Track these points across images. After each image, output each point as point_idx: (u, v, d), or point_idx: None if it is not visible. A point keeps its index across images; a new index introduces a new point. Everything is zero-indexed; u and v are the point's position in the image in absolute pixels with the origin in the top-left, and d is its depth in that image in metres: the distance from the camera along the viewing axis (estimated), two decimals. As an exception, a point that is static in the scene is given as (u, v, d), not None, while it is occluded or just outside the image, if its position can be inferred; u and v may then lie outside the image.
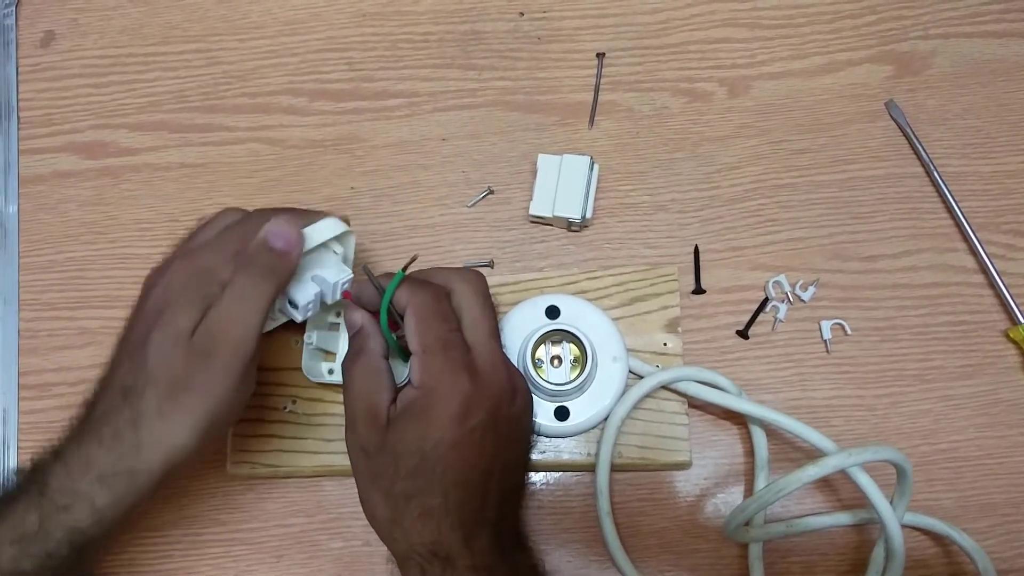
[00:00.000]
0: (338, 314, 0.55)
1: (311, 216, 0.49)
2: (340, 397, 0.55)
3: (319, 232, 0.48)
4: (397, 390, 0.47)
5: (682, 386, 0.53)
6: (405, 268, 0.49)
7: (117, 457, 0.43)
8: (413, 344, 0.46)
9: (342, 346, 0.54)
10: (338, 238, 0.50)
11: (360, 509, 0.55)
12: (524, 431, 0.50)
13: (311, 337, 0.53)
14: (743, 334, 0.56)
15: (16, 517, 0.42)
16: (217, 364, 0.44)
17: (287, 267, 0.46)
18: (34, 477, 0.44)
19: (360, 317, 0.49)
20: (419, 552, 0.44)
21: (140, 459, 0.43)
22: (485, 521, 0.45)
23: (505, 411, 0.47)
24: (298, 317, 0.49)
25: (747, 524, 0.51)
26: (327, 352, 0.55)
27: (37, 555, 0.42)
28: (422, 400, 0.45)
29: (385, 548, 0.54)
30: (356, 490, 0.55)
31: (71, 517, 0.43)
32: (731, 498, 0.55)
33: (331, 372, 0.54)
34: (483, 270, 0.58)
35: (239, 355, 0.44)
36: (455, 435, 0.44)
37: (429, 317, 0.46)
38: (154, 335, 0.44)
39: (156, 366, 0.43)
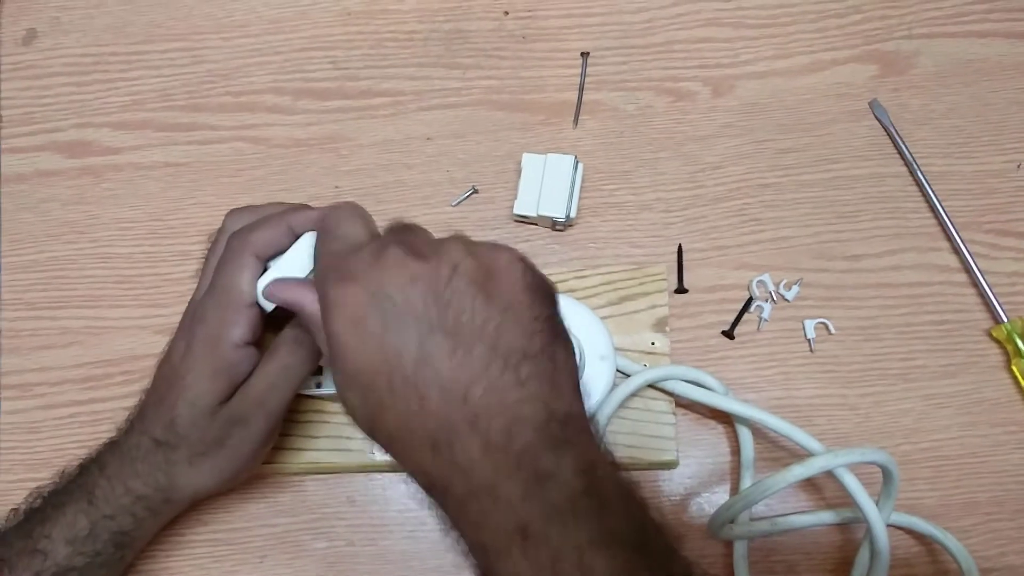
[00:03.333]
0: None
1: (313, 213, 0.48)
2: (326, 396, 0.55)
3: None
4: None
5: (669, 385, 0.53)
6: None
7: (153, 490, 0.48)
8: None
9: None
10: None
11: (343, 509, 0.55)
12: (501, 288, 0.36)
13: None
14: (729, 334, 0.56)
15: (68, 520, 0.47)
16: (250, 430, 0.47)
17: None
18: (81, 484, 0.48)
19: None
20: (423, 491, 0.36)
21: (173, 493, 0.48)
22: (462, 420, 0.34)
23: (408, 281, 0.35)
24: (268, 308, 0.48)
25: (731, 522, 0.51)
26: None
27: (87, 553, 0.47)
28: (325, 333, 0.37)
29: (369, 548, 0.55)
30: (342, 491, 0.56)
31: (116, 523, 0.47)
32: (716, 497, 0.55)
33: (319, 385, 0.54)
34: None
35: (272, 421, 0.48)
36: (356, 340, 0.35)
37: (321, 245, 0.41)
38: (181, 403, 0.46)
39: (188, 431, 0.47)
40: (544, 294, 0.37)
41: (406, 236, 0.38)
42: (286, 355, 0.46)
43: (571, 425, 0.35)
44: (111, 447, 0.49)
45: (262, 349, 0.48)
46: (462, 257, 0.36)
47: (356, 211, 0.41)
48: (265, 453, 0.50)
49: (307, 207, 0.48)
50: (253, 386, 0.46)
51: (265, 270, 0.47)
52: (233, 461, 0.48)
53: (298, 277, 0.45)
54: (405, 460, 0.36)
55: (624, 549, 0.33)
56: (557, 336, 0.37)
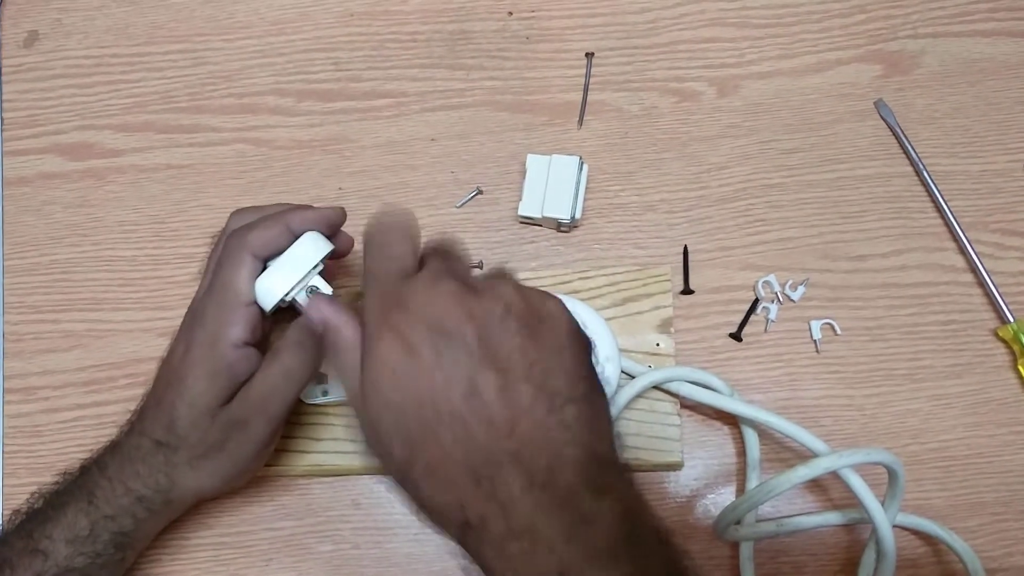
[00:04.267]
0: None
1: (320, 214, 0.48)
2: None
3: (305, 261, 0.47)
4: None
5: (674, 386, 0.53)
6: None
7: (153, 491, 0.48)
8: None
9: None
10: None
11: (348, 512, 0.55)
12: (548, 333, 0.37)
13: None
14: (736, 336, 0.56)
15: (68, 520, 0.47)
16: (250, 434, 0.47)
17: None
18: (82, 485, 0.48)
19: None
20: (456, 526, 0.35)
21: (174, 494, 0.48)
22: (505, 454, 0.34)
23: (464, 316, 0.36)
24: (267, 308, 0.48)
25: (737, 523, 0.51)
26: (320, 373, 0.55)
27: (88, 554, 0.47)
28: (364, 352, 0.37)
29: (374, 551, 0.54)
30: (347, 494, 0.56)
31: (116, 524, 0.47)
32: (722, 498, 0.55)
33: (325, 393, 0.54)
34: (472, 272, 0.58)
35: (273, 425, 0.47)
36: (404, 366, 0.35)
37: (370, 261, 0.40)
38: (180, 404, 0.46)
39: (188, 432, 0.47)
40: (585, 343, 0.38)
41: (457, 267, 0.39)
42: (288, 358, 0.46)
43: (611, 470, 0.36)
44: (112, 448, 0.49)
45: (264, 351, 0.47)
46: (514, 298, 0.37)
47: (405, 229, 0.40)
48: (267, 456, 0.50)
49: (307, 207, 0.49)
50: (254, 389, 0.46)
51: (265, 269, 0.46)
52: (234, 464, 0.48)
53: (298, 275, 0.46)
54: (441, 495, 0.35)
55: None
56: (595, 383, 0.37)
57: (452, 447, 0.34)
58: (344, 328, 0.38)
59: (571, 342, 0.37)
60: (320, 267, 0.47)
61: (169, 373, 0.47)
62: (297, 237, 0.47)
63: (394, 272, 0.38)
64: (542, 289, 0.39)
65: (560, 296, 0.54)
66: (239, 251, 0.46)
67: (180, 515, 0.52)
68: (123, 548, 0.48)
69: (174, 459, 0.47)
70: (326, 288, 0.47)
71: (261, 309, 0.46)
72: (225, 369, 0.46)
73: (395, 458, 0.36)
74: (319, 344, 0.41)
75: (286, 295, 0.46)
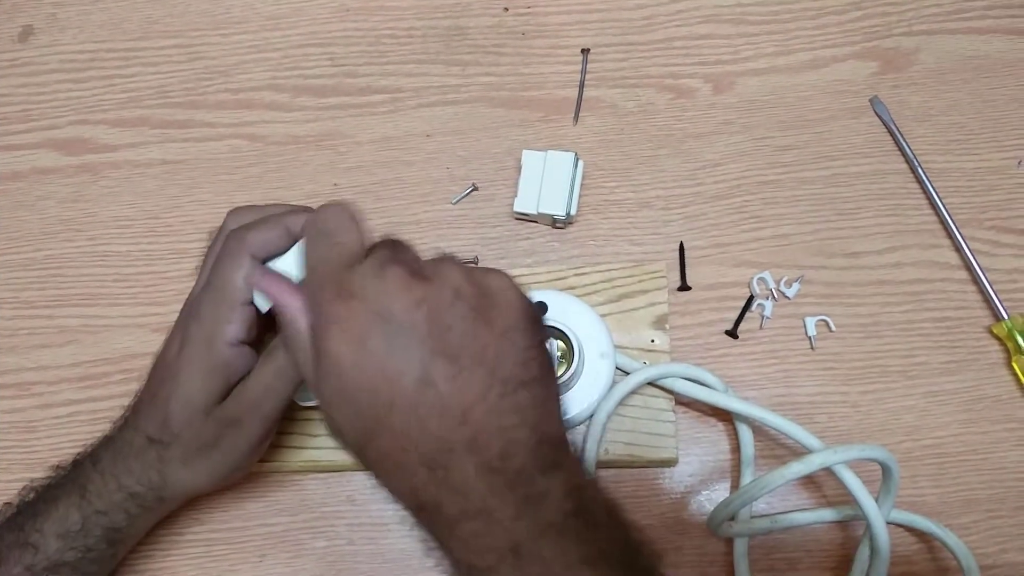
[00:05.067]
0: None
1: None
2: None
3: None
4: None
5: (669, 382, 0.53)
6: None
7: (146, 487, 0.47)
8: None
9: None
10: None
11: (343, 508, 0.55)
12: (498, 317, 0.36)
13: None
14: (732, 334, 0.56)
15: (60, 514, 0.46)
16: (244, 432, 0.47)
17: None
18: (75, 479, 0.48)
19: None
20: (410, 510, 0.36)
21: (166, 491, 0.48)
22: (459, 441, 0.34)
23: (413, 304, 0.35)
24: (263, 307, 0.47)
25: (732, 519, 0.51)
26: None
27: (79, 548, 0.47)
28: (315, 344, 0.37)
29: (368, 547, 0.54)
30: (342, 490, 0.56)
31: (108, 519, 0.47)
32: (716, 494, 0.55)
33: None
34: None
35: (267, 424, 0.47)
36: (354, 358, 0.35)
37: (313, 252, 0.39)
38: (174, 401, 0.46)
39: (181, 429, 0.46)
40: (536, 321, 0.37)
41: (403, 255, 0.38)
42: (283, 358, 0.46)
43: (560, 449, 0.36)
44: (106, 442, 0.48)
45: (259, 350, 0.47)
46: (462, 281, 0.36)
47: (348, 213, 0.40)
48: (261, 453, 0.50)
49: (307, 209, 0.48)
50: (249, 388, 0.46)
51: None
52: (227, 462, 0.48)
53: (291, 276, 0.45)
54: (395, 481, 0.36)
55: (612, 567, 0.34)
56: (546, 361, 0.37)
57: (404, 436, 0.34)
58: (298, 317, 0.38)
59: (522, 320, 0.36)
60: None
61: (164, 369, 0.47)
62: (295, 239, 0.47)
63: (338, 260, 0.38)
64: (488, 267, 0.38)
65: (554, 292, 0.54)
66: (238, 251, 0.46)
67: (172, 512, 0.52)
68: (114, 543, 0.48)
69: (167, 456, 0.47)
70: None
71: (258, 309, 0.46)
72: (221, 367, 0.46)
73: (350, 444, 0.37)
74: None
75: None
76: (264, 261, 0.47)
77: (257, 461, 0.51)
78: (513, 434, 0.35)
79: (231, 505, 0.55)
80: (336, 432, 0.37)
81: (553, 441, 0.36)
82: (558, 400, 0.38)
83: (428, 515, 0.35)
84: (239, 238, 0.46)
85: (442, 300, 0.35)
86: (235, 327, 0.45)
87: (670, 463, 0.54)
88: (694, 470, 0.55)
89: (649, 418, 0.54)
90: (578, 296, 0.55)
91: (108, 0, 0.66)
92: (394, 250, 0.38)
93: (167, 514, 0.52)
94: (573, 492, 0.35)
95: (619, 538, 0.36)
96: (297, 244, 0.46)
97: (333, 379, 0.35)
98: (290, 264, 0.45)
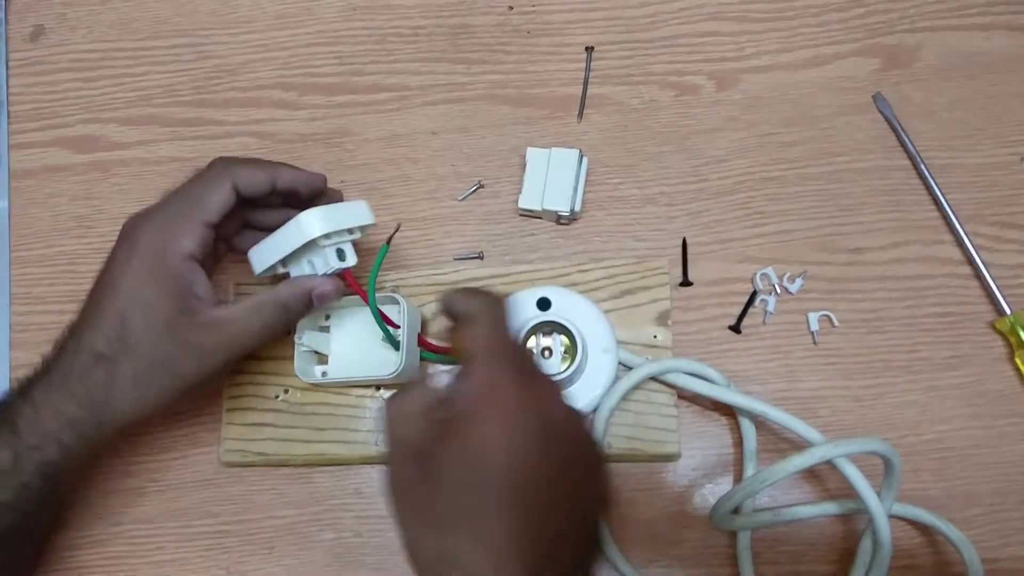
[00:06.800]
0: (327, 317, 0.56)
1: (311, 180, 0.50)
2: (331, 388, 0.56)
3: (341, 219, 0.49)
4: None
5: (671, 377, 0.53)
6: (389, 240, 0.51)
7: (87, 411, 0.46)
8: (476, 344, 0.40)
9: (334, 348, 0.55)
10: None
11: (351, 500, 0.56)
12: (601, 481, 0.41)
13: (302, 338, 0.53)
14: (735, 329, 0.57)
15: None
16: (210, 360, 0.46)
17: (307, 309, 0.49)
18: (3, 416, 0.46)
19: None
20: None
21: (109, 414, 0.46)
22: (550, 558, 0.36)
23: (568, 428, 0.39)
24: (257, 271, 0.51)
25: (735, 513, 0.51)
26: (319, 353, 0.55)
27: (13, 486, 0.46)
28: (470, 405, 0.37)
29: (376, 539, 0.55)
30: (349, 483, 0.56)
31: (42, 454, 0.46)
32: (720, 488, 0.55)
33: (324, 374, 0.54)
34: (473, 263, 0.59)
35: (234, 357, 0.47)
36: (510, 439, 0.36)
37: (499, 322, 0.41)
38: (131, 311, 0.45)
39: (138, 343, 0.45)
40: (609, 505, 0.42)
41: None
42: (272, 314, 0.47)
43: None
44: (37, 376, 0.47)
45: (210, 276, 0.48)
46: (591, 435, 0.42)
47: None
48: (207, 386, 0.49)
49: (295, 168, 0.50)
50: (232, 324, 0.46)
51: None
52: (177, 386, 0.47)
53: (342, 225, 0.48)
54: (486, 559, 0.35)
55: None
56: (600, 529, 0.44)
57: (515, 530, 0.35)
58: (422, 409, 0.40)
59: (607, 500, 0.41)
60: (352, 239, 0.50)
61: (109, 284, 0.46)
62: (278, 191, 0.48)
63: (516, 346, 0.41)
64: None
65: (558, 288, 0.55)
66: (222, 176, 0.46)
67: (108, 446, 0.50)
68: (49, 479, 0.47)
69: (117, 372, 0.45)
70: (352, 257, 0.50)
71: (217, 235, 0.47)
72: (171, 278, 0.45)
73: (440, 505, 0.37)
74: (305, 310, 0.48)
75: (321, 235, 0.47)
76: (242, 196, 0.47)
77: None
78: (579, 571, 0.39)
79: (241, 498, 0.56)
80: (427, 481, 0.37)
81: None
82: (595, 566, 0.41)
83: None
84: (226, 165, 0.47)
85: (580, 438, 0.40)
86: (192, 241, 0.46)
87: (672, 458, 0.55)
88: (697, 464, 0.55)
89: (652, 413, 0.54)
90: (581, 292, 0.56)
91: (118, 0, 0.66)
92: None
93: (104, 446, 0.49)
94: None
95: None
96: (351, 201, 0.50)
97: (477, 444, 0.36)
98: (340, 211, 0.48)
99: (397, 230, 0.52)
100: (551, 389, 0.40)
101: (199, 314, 0.46)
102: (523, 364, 0.40)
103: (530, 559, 0.35)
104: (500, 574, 0.35)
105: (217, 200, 0.46)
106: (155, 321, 0.45)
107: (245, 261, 0.51)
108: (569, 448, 0.38)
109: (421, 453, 0.38)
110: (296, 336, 0.53)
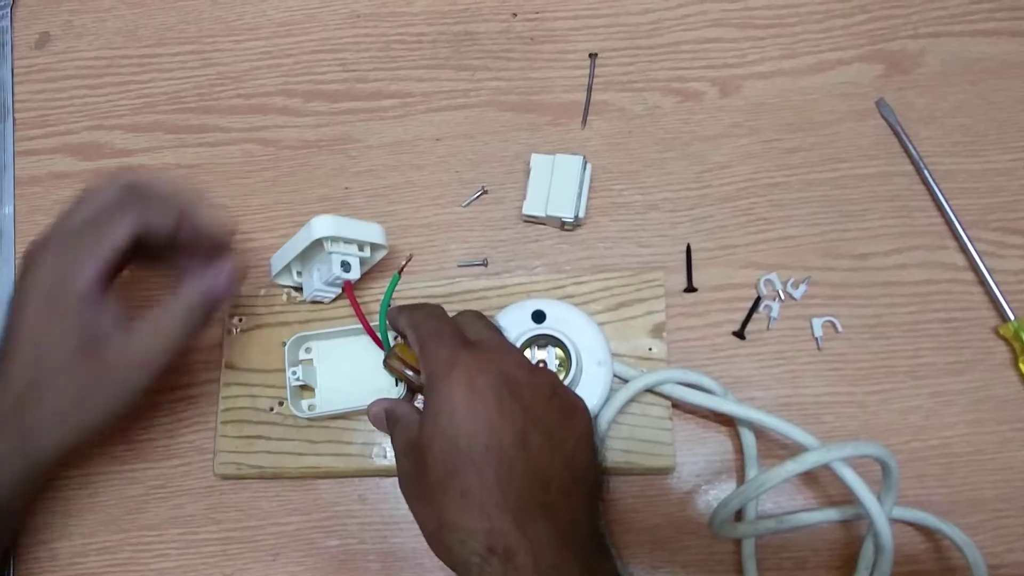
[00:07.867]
0: (308, 350, 0.56)
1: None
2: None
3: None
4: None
5: (667, 388, 0.53)
6: (400, 270, 0.52)
7: (12, 448, 0.45)
8: (422, 336, 0.45)
9: (320, 382, 0.56)
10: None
11: (355, 507, 0.56)
12: (577, 423, 0.44)
13: (295, 373, 0.54)
14: (740, 335, 0.57)
15: None
16: (124, 391, 0.46)
17: (212, 310, 0.48)
18: None
19: (378, 409, 0.49)
20: (476, 552, 0.39)
21: (35, 453, 0.46)
22: (539, 504, 0.40)
23: (526, 380, 0.43)
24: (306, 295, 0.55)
25: (738, 520, 0.51)
26: (306, 388, 0.56)
27: None
28: (430, 387, 0.42)
29: (380, 546, 0.55)
30: (354, 490, 0.56)
31: None
32: (723, 495, 0.55)
33: (311, 408, 0.55)
34: (475, 270, 0.59)
35: (151, 377, 0.46)
36: (467, 402, 0.41)
37: (437, 316, 0.47)
38: (45, 353, 0.44)
39: (51, 385, 0.44)
40: (597, 446, 0.45)
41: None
42: (180, 320, 0.46)
43: (605, 544, 0.44)
44: None
45: (124, 308, 0.47)
46: (558, 386, 0.44)
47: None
48: (138, 404, 0.47)
49: (201, 213, 0.48)
50: (138, 342, 0.45)
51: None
52: (107, 414, 0.46)
53: (353, 236, 0.52)
54: (471, 518, 0.40)
55: None
56: (602, 476, 0.46)
57: (493, 482, 0.39)
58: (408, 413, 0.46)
59: (591, 438, 0.45)
60: (361, 256, 0.53)
61: (18, 320, 0.45)
62: (184, 225, 0.47)
63: (454, 330, 0.45)
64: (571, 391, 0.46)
65: (552, 301, 0.55)
66: (128, 209, 0.45)
67: (48, 478, 0.50)
68: None
69: (35, 413, 0.45)
70: (356, 271, 0.53)
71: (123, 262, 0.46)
72: (71, 316, 0.44)
73: (429, 479, 0.41)
74: (208, 312, 0.47)
75: (329, 236, 0.51)
76: (140, 240, 0.46)
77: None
78: (577, 514, 0.42)
79: (245, 505, 0.56)
80: (418, 464, 0.42)
81: (600, 535, 0.43)
82: (600, 510, 0.44)
83: (499, 561, 0.39)
84: (134, 197, 0.46)
85: (544, 390, 0.43)
86: (92, 275, 0.44)
87: (667, 471, 0.54)
88: (699, 471, 0.55)
89: (647, 426, 0.54)
90: (576, 305, 0.56)
91: (123, 8, 0.67)
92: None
93: (47, 477, 0.49)
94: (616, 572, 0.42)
95: None
96: (369, 222, 0.53)
97: (442, 417, 0.41)
98: (356, 224, 0.52)
99: (409, 261, 0.54)
100: (506, 349, 0.45)
101: (104, 351, 0.45)
102: (470, 340, 0.45)
103: (518, 508, 0.39)
104: (491, 526, 0.39)
105: (121, 235, 0.45)
106: (62, 361, 0.44)
107: None
108: (535, 399, 0.42)
109: (409, 443, 0.43)
110: (289, 371, 0.54)
